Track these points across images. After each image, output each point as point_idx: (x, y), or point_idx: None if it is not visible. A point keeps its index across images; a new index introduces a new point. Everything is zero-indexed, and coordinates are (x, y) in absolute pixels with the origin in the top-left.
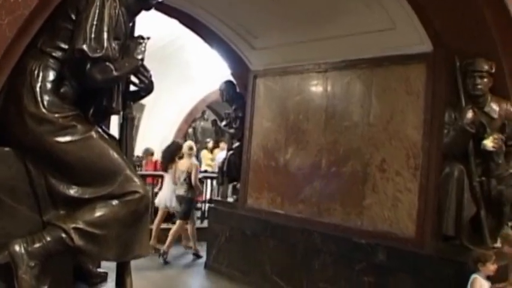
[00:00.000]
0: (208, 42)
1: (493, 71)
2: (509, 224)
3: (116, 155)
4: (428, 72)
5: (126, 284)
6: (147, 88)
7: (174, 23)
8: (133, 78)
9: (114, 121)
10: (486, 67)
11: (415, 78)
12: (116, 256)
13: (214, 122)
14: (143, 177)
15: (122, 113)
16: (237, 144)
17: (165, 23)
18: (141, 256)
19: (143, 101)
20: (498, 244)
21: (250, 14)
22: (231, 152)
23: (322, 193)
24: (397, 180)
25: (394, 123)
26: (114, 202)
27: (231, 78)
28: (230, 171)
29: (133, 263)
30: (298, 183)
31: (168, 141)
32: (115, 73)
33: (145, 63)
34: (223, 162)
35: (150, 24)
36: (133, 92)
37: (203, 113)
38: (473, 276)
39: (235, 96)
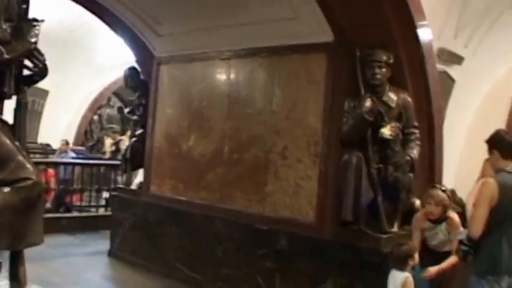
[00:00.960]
0: (113, 28)
1: (392, 61)
2: (438, 186)
3: (7, 141)
4: (329, 61)
5: (19, 274)
6: (41, 72)
7: (81, 8)
8: (27, 62)
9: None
10: (385, 57)
11: (316, 68)
12: (8, 245)
13: (120, 109)
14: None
15: (15, 98)
16: (140, 131)
17: (73, 7)
18: (35, 244)
19: (47, 87)
20: (395, 229)
21: (155, 0)
22: (134, 139)
23: (225, 180)
24: (298, 167)
25: (296, 111)
26: (6, 189)
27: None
28: (133, 159)
29: (34, 252)
30: (201, 169)
31: (73, 128)
32: (6, 56)
33: (50, 47)
34: (126, 150)
35: (56, 8)
36: (27, 76)
37: (109, 99)
38: (405, 276)
39: (139, 83)
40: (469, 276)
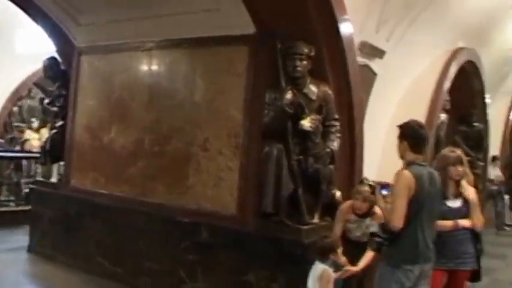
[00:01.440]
0: (33, 17)
1: (313, 54)
2: (366, 181)
3: None
4: (250, 53)
5: None
6: None
7: None
8: None
9: None
10: (306, 50)
11: (238, 60)
12: None
13: (41, 101)
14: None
15: None
16: (60, 122)
17: None
18: None
19: None
20: (315, 220)
21: None
22: (54, 130)
23: (146, 173)
24: (220, 159)
25: (217, 103)
26: None
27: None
28: (53, 151)
29: None
30: (122, 162)
31: None
32: None
33: None
34: (46, 142)
35: None
36: None
37: (30, 90)
38: (322, 267)
39: (59, 73)
40: (382, 268)
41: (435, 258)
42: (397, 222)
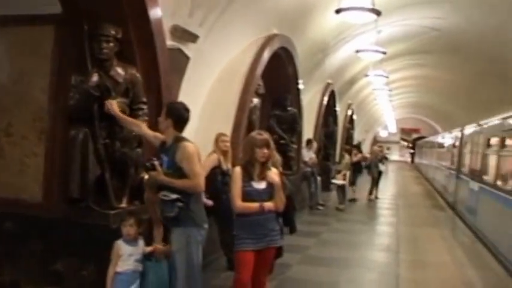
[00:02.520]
0: None
1: (120, 36)
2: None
3: None
4: (56, 34)
5: None
6: None
7: None
8: None
9: None
10: (113, 32)
11: (43, 40)
12: None
13: None
14: None
15: None
16: None
17: None
18: None
19: None
20: (123, 204)
21: None
22: None
23: None
24: (24, 144)
25: (21, 85)
26: None
27: None
28: None
29: None
30: None
31: None
32: None
33: None
34: None
35: None
36: None
37: None
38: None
39: None
40: (187, 232)
41: (242, 240)
42: (203, 184)
